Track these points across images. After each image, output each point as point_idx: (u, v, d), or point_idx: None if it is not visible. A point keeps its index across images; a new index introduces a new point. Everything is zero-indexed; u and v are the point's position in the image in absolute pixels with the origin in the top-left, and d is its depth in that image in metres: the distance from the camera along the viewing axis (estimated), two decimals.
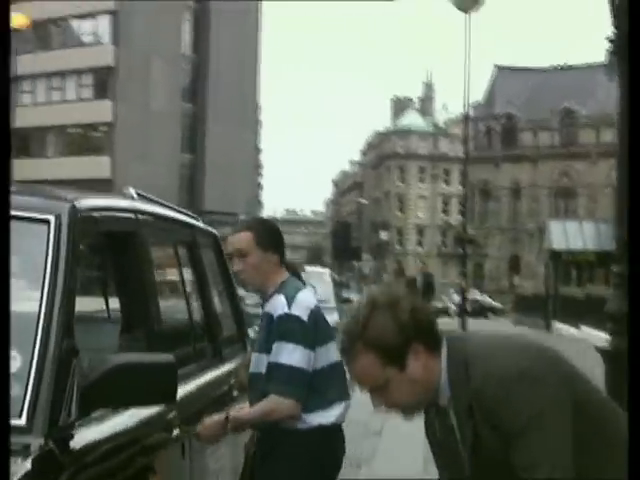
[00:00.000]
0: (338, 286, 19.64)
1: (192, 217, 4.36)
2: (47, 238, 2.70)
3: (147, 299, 3.28)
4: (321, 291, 8.64)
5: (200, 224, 4.40)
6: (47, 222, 2.73)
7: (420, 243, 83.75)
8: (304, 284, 3.41)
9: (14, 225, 2.78)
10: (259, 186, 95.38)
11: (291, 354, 3.18)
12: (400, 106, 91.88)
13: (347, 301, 19.57)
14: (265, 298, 3.37)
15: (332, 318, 5.88)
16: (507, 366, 2.00)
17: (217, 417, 3.28)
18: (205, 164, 53.78)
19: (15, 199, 2.77)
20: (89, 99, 48.86)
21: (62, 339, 2.52)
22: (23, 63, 47.07)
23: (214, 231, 4.68)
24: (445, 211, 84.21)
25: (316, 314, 3.31)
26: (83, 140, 48.82)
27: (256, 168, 76.72)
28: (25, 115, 47.50)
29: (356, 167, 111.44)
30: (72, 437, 2.47)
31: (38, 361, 2.45)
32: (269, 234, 3.38)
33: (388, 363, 2.03)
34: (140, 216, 3.36)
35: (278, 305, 3.25)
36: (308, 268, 13.14)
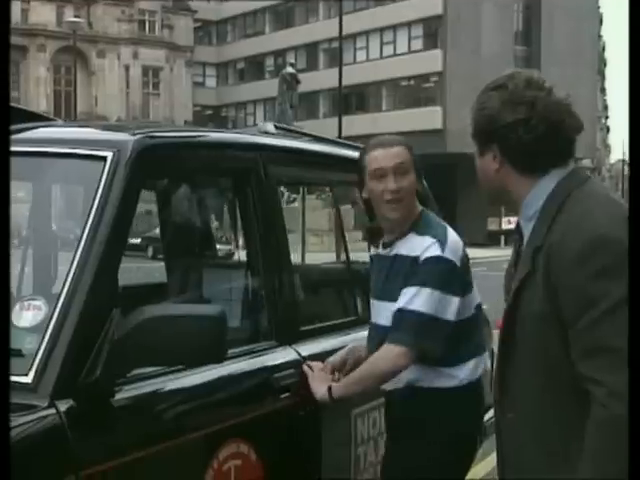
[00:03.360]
0: None
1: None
2: (99, 177, 2.40)
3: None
4: None
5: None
6: (104, 159, 2.43)
7: None
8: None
9: (73, 163, 2.55)
10: (606, 129, 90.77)
11: (437, 302, 2.64)
12: None
13: None
14: (393, 236, 2.80)
15: None
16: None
17: (320, 389, 2.79)
18: None
19: (81, 133, 2.57)
20: (419, 50, 49.10)
21: (95, 290, 2.22)
22: (360, 20, 48.69)
23: None
24: None
25: (464, 261, 2.76)
26: (415, 92, 49.23)
27: (603, 110, 72.92)
28: (361, 71, 49.13)
29: None
30: (98, 399, 2.17)
31: (60, 313, 2.19)
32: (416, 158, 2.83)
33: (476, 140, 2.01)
34: (250, 152, 2.95)
35: (425, 246, 2.69)
36: None
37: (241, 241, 3.17)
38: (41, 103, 51.67)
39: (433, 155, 33.57)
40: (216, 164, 2.92)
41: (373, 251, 2.93)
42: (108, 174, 2.39)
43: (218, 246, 3.60)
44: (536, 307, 1.83)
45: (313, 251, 5.43)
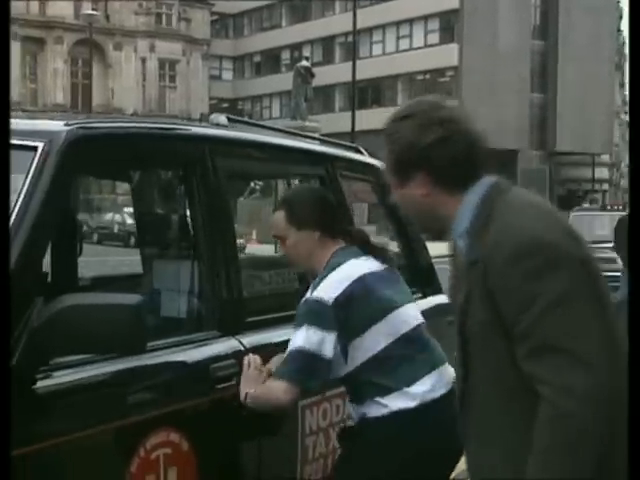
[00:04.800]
0: None
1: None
2: (29, 166, 2.43)
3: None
4: None
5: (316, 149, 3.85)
6: (35, 149, 2.46)
7: None
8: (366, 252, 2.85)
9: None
10: (626, 124, 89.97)
11: (296, 337, 2.69)
12: None
13: None
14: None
15: None
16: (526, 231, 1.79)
17: (243, 389, 2.80)
18: (557, 103, 51.78)
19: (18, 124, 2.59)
20: (436, 44, 48.97)
21: (17, 277, 2.24)
22: (376, 13, 48.61)
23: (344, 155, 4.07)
24: None
25: (357, 289, 2.72)
26: (430, 86, 49.04)
27: (622, 105, 72.37)
28: (376, 65, 49.09)
29: None
30: (16, 385, 2.19)
31: None
32: (302, 208, 2.85)
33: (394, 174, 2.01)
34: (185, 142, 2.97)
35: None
36: None
37: (185, 232, 3.20)
38: (58, 96, 51.97)
39: None
40: (155, 155, 2.95)
41: None
42: (38, 163, 2.42)
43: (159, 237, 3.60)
44: (481, 317, 1.84)
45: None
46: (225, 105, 60.29)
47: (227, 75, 63.27)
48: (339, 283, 2.71)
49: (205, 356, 2.86)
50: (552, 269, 1.75)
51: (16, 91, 50.09)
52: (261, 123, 3.56)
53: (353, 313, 2.70)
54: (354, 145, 4.08)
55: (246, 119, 3.47)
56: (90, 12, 41.94)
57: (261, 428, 2.97)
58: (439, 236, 2.07)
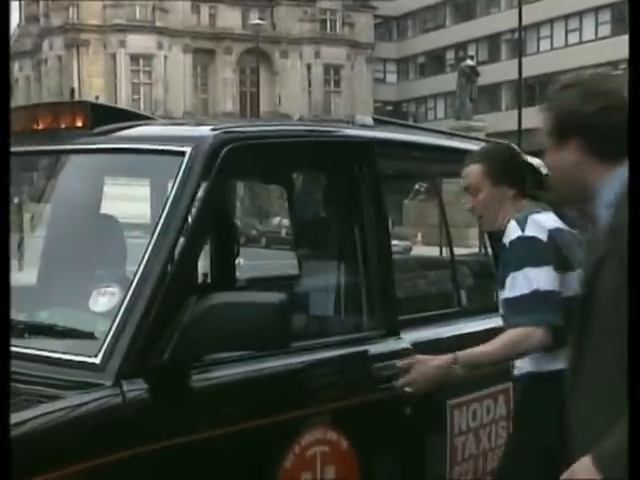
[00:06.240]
0: None
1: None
2: (177, 171, 2.52)
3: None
4: None
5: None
6: (182, 154, 2.56)
7: None
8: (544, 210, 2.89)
9: (154, 158, 2.69)
10: None
11: (533, 278, 2.71)
12: None
13: None
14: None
15: None
16: None
17: (437, 358, 2.79)
18: None
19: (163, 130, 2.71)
20: (607, 36, 47.17)
21: (166, 277, 2.35)
22: (544, 8, 47.39)
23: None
24: None
25: (556, 237, 2.80)
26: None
27: None
28: (545, 61, 47.81)
29: None
30: (170, 381, 2.29)
31: (130, 299, 2.32)
32: (501, 165, 2.97)
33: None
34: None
35: (510, 231, 2.82)
36: None
37: (340, 235, 3.23)
38: (227, 104, 53.75)
39: None
40: (303, 158, 2.99)
41: None
42: (186, 168, 2.50)
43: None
44: (611, 285, 1.85)
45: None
46: (389, 108, 60.43)
47: (391, 78, 63.37)
48: (541, 223, 2.80)
49: (368, 355, 2.88)
50: None
51: (188, 102, 52.27)
52: (407, 123, 3.54)
53: (557, 251, 2.78)
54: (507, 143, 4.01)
55: (391, 119, 3.45)
56: (257, 22, 43.15)
57: (413, 428, 2.95)
58: (577, 204, 2.14)
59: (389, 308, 3.02)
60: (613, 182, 1.95)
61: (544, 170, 3.95)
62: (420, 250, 14.75)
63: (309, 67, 56.18)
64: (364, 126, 3.29)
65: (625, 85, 1.97)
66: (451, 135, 3.68)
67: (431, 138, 3.58)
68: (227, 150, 2.58)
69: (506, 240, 2.82)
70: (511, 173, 2.96)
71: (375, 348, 2.92)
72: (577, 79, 2.05)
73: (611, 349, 1.88)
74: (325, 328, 3.13)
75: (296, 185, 3.70)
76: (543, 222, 2.81)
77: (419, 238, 20.58)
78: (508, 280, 2.75)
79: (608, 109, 1.95)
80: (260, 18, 49.61)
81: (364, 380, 2.82)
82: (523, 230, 2.77)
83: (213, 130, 2.65)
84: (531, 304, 2.70)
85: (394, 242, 3.74)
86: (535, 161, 4.03)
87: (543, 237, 2.76)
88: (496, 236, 3.19)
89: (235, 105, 54.01)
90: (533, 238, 2.75)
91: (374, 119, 3.33)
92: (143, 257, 2.38)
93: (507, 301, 2.77)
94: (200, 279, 4.12)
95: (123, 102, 47.79)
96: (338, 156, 3.06)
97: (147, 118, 3.27)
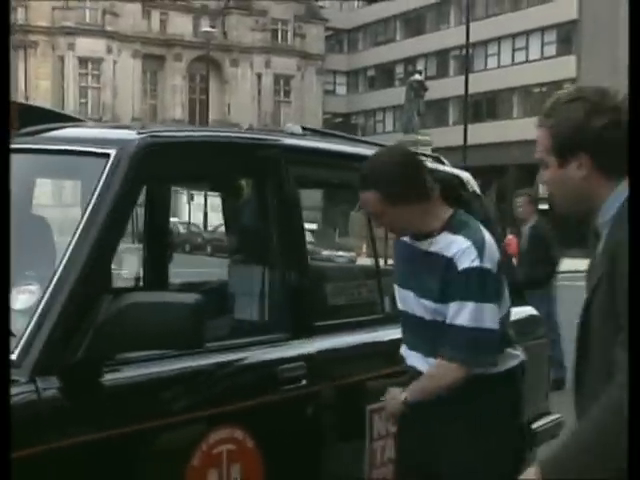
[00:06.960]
0: None
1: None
2: (101, 173, 2.56)
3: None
4: None
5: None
6: (107, 156, 2.60)
7: None
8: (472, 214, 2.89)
9: (81, 160, 2.72)
10: None
11: (481, 314, 2.70)
12: None
13: None
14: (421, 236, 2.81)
15: None
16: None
17: (394, 398, 2.87)
18: None
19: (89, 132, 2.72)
20: (553, 56, 48.04)
21: (84, 276, 2.38)
22: (491, 26, 48.12)
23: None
24: None
25: (498, 265, 2.79)
26: (547, 99, 48.09)
27: None
28: (491, 78, 48.53)
29: None
30: (83, 379, 2.32)
31: (49, 297, 2.36)
32: (396, 185, 2.70)
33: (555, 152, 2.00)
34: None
35: (461, 249, 2.70)
36: None
37: (255, 240, 3.29)
38: (177, 111, 53.51)
39: None
40: (224, 164, 3.04)
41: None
42: (110, 170, 2.55)
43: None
44: (602, 301, 1.89)
45: None
46: (339, 120, 60.74)
47: (341, 90, 63.72)
48: (493, 247, 2.76)
49: (274, 358, 2.94)
50: None
51: (136, 107, 51.89)
52: (336, 132, 3.62)
53: (500, 282, 2.81)
54: (436, 155, 4.12)
55: (319, 129, 3.53)
56: (208, 29, 43.12)
57: (329, 431, 3.02)
58: (582, 219, 2.08)
59: (302, 313, 3.08)
60: (615, 198, 1.95)
61: (472, 186, 4.07)
62: (364, 261, 14.82)
63: (259, 76, 56.20)
64: (292, 134, 3.37)
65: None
66: (379, 146, 3.75)
67: (356, 148, 3.65)
68: (151, 153, 2.63)
69: (453, 255, 2.69)
70: (412, 189, 2.70)
71: (282, 351, 2.99)
72: (582, 93, 1.99)
73: (603, 361, 1.89)
74: (237, 330, 3.20)
75: (223, 190, 3.76)
76: (493, 247, 2.76)
77: (364, 249, 20.66)
78: (454, 306, 2.70)
79: (614, 124, 1.93)
80: (211, 26, 49.61)
81: (268, 381, 2.87)
82: (482, 260, 2.68)
83: (139, 133, 2.70)
84: (474, 341, 2.70)
85: (339, 253, 3.80)
86: (464, 175, 4.15)
87: (494, 268, 2.73)
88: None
89: (184, 112, 53.78)
90: (489, 272, 2.70)
91: (303, 128, 3.40)
92: (63, 257, 2.42)
93: (450, 327, 2.71)
94: (133, 283, 4.16)
95: (70, 105, 47.33)
96: (254, 161, 3.12)
97: (76, 120, 3.31)
